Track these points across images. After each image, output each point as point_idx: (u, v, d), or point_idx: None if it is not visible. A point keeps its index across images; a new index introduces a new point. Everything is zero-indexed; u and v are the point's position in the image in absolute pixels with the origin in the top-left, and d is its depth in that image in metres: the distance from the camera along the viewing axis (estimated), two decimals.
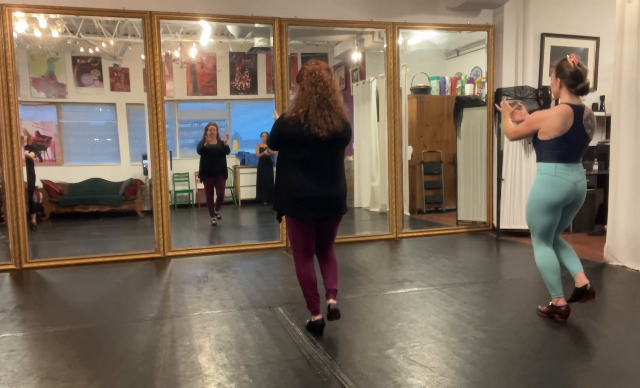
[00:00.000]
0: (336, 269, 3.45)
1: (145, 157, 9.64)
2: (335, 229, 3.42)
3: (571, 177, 3.34)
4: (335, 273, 3.42)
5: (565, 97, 3.37)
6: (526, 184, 6.46)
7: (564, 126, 3.29)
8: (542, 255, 3.48)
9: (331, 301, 3.33)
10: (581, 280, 3.45)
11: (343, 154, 3.37)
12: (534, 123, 3.41)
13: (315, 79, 3.15)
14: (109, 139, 10.79)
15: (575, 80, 3.31)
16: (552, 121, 3.32)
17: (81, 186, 9.86)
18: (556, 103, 3.46)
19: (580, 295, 3.45)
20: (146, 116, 5.82)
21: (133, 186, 9.85)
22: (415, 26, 6.72)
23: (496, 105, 3.81)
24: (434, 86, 9.15)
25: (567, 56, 3.39)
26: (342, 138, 3.24)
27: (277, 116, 3.43)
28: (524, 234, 6.33)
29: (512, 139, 3.67)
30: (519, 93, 6.41)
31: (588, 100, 6.86)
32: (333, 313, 3.28)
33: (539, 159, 3.45)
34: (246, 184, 10.98)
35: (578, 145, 3.35)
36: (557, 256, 3.51)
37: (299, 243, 3.31)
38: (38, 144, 10.11)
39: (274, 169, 3.46)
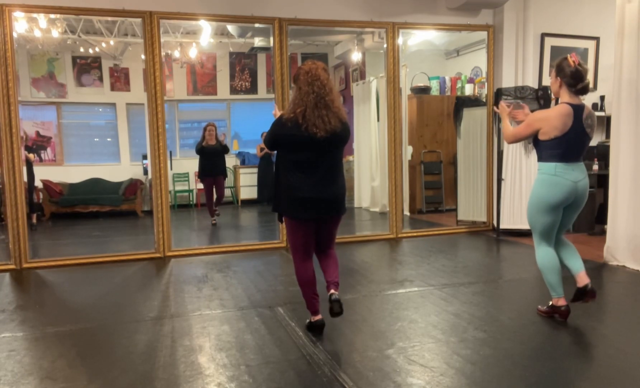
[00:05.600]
0: (337, 263, 3.43)
1: (145, 157, 9.64)
2: (334, 229, 3.41)
3: (571, 176, 3.33)
4: (335, 266, 3.39)
5: (565, 96, 3.37)
6: (526, 184, 6.46)
7: (564, 125, 3.29)
8: (543, 254, 3.48)
9: (332, 291, 3.23)
10: (582, 279, 3.44)
11: (342, 154, 3.36)
12: (533, 124, 3.41)
13: (312, 78, 3.14)
14: (109, 139, 10.79)
15: (575, 79, 3.31)
16: (552, 121, 3.31)
17: (81, 186, 9.86)
18: (556, 103, 3.45)
19: (581, 295, 3.44)
20: (146, 116, 5.82)
21: (133, 186, 9.84)
22: (415, 26, 6.72)
23: (494, 108, 3.80)
24: (434, 86, 9.15)
25: (568, 55, 3.39)
26: (340, 138, 3.23)
27: (277, 112, 3.42)
28: (524, 234, 6.33)
29: (511, 142, 3.66)
30: (519, 93, 6.41)
31: (588, 100, 6.87)
32: (335, 303, 3.18)
33: (540, 158, 3.45)
34: (246, 184, 10.98)
35: (578, 144, 3.35)
36: (559, 255, 3.51)
37: (298, 243, 3.31)
38: (38, 144, 10.11)
39: (274, 169, 3.46)
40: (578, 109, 3.32)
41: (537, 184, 3.45)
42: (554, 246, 3.54)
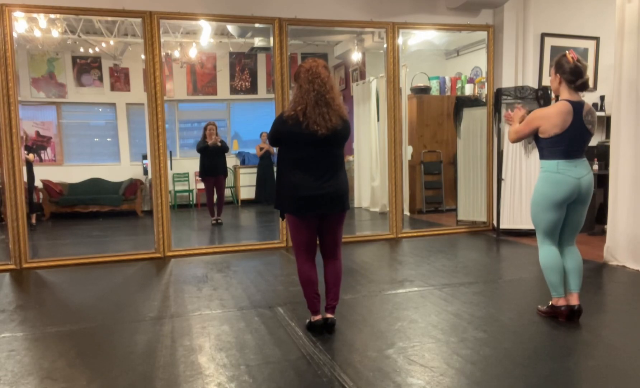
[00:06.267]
0: (340, 281, 3.43)
1: (145, 157, 9.64)
2: (338, 229, 3.38)
3: (574, 173, 3.33)
4: (338, 287, 3.40)
5: (565, 93, 3.37)
6: (526, 184, 6.45)
7: (564, 122, 3.29)
8: (546, 253, 3.47)
9: (329, 315, 3.37)
10: (574, 299, 3.45)
11: (342, 151, 3.36)
12: (533, 121, 3.41)
13: (312, 76, 3.15)
14: (109, 139, 10.79)
15: (574, 76, 3.31)
16: (551, 118, 3.32)
17: (81, 186, 9.86)
18: (556, 101, 3.46)
19: (564, 313, 3.44)
20: (146, 116, 5.82)
21: (133, 186, 9.85)
22: (415, 26, 6.72)
23: (508, 113, 3.77)
24: (434, 86, 9.15)
25: (566, 51, 3.39)
26: (341, 135, 3.23)
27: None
28: (524, 234, 6.33)
29: (514, 141, 3.65)
30: (519, 93, 6.41)
31: (588, 100, 6.86)
32: (330, 327, 3.35)
33: (542, 156, 3.45)
34: (246, 184, 10.98)
35: (579, 141, 3.35)
36: (563, 263, 3.48)
37: (301, 241, 3.31)
38: (38, 144, 10.11)
39: (274, 168, 3.46)
40: (578, 106, 3.32)
41: (540, 182, 3.44)
42: (562, 249, 3.52)
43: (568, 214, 3.44)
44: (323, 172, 3.21)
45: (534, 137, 3.48)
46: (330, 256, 3.40)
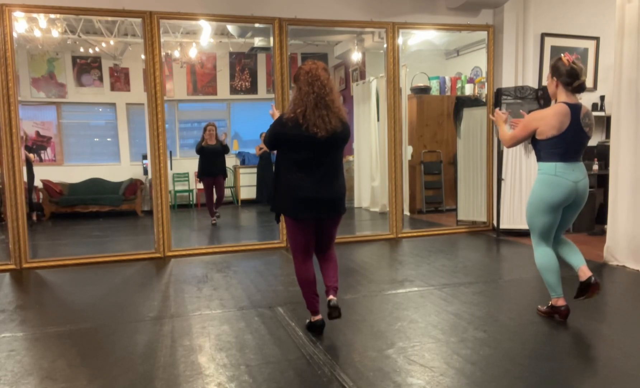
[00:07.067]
0: (336, 267, 3.44)
1: (145, 157, 9.64)
2: (334, 229, 3.41)
3: (572, 176, 3.33)
4: (335, 270, 3.40)
5: (562, 96, 3.37)
6: (526, 184, 6.46)
7: (561, 124, 3.29)
8: (542, 255, 3.48)
9: (331, 297, 3.26)
10: (584, 273, 3.42)
11: (342, 153, 3.37)
12: (530, 124, 3.41)
13: (312, 78, 3.15)
14: (109, 139, 10.79)
15: (571, 78, 3.31)
16: (549, 119, 3.32)
17: (81, 186, 9.86)
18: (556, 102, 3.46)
19: (585, 289, 3.40)
20: (146, 116, 5.82)
21: (133, 186, 9.85)
22: (415, 26, 6.72)
23: (491, 116, 3.80)
24: (434, 86, 9.15)
25: (562, 54, 3.40)
26: (340, 138, 3.23)
27: (275, 112, 3.44)
28: (524, 234, 6.33)
29: (510, 146, 3.65)
30: (519, 93, 6.41)
31: (588, 100, 6.88)
32: (333, 310, 3.22)
33: (539, 158, 3.45)
34: (246, 184, 10.99)
35: (577, 143, 3.35)
36: (559, 253, 3.51)
37: (299, 243, 3.31)
38: (38, 144, 10.12)
39: (274, 168, 3.46)
40: (575, 108, 3.32)
41: (537, 184, 3.44)
42: (554, 246, 3.54)
43: (561, 216, 3.45)
44: (322, 175, 3.21)
45: (530, 140, 3.48)
46: (324, 251, 3.43)
